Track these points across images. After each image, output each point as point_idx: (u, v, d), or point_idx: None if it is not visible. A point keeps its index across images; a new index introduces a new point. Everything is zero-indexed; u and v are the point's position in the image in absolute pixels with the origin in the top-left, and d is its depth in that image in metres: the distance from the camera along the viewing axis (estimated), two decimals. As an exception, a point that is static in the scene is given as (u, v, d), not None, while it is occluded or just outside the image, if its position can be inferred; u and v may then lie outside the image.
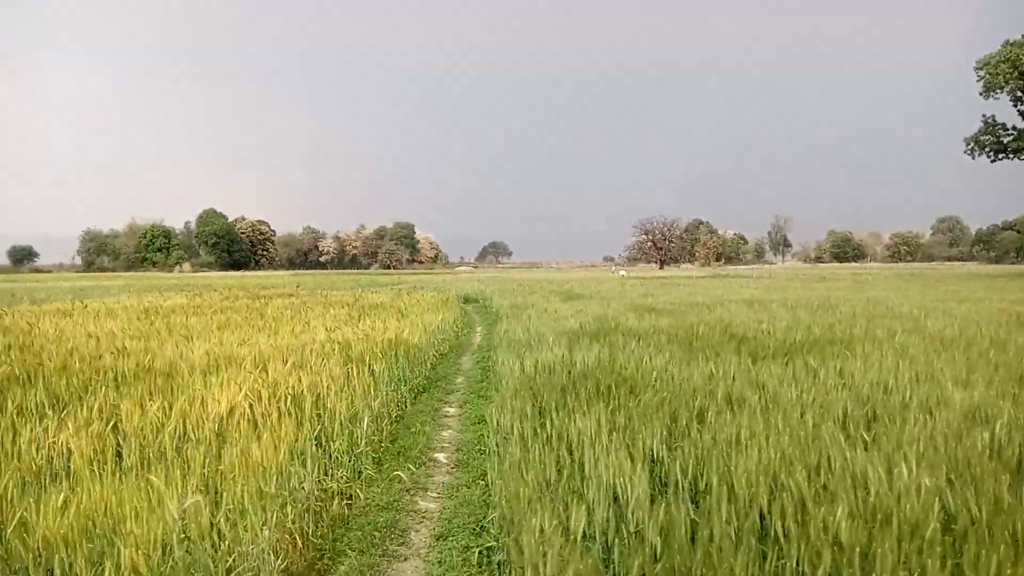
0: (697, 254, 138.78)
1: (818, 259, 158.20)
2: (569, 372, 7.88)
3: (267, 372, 7.72)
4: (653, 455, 5.13)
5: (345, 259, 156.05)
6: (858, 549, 3.33)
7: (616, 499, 4.43)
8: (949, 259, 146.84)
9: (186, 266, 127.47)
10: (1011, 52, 48.32)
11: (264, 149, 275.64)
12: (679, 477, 4.72)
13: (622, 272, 74.55)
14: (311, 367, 8.30)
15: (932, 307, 16.99)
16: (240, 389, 6.49)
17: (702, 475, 4.69)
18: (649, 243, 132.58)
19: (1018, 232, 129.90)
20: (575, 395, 6.59)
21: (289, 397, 6.65)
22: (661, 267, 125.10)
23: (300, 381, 7.18)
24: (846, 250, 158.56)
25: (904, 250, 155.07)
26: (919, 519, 3.53)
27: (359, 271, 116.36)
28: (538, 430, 5.67)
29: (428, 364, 11.92)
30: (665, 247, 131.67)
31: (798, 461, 4.42)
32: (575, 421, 5.62)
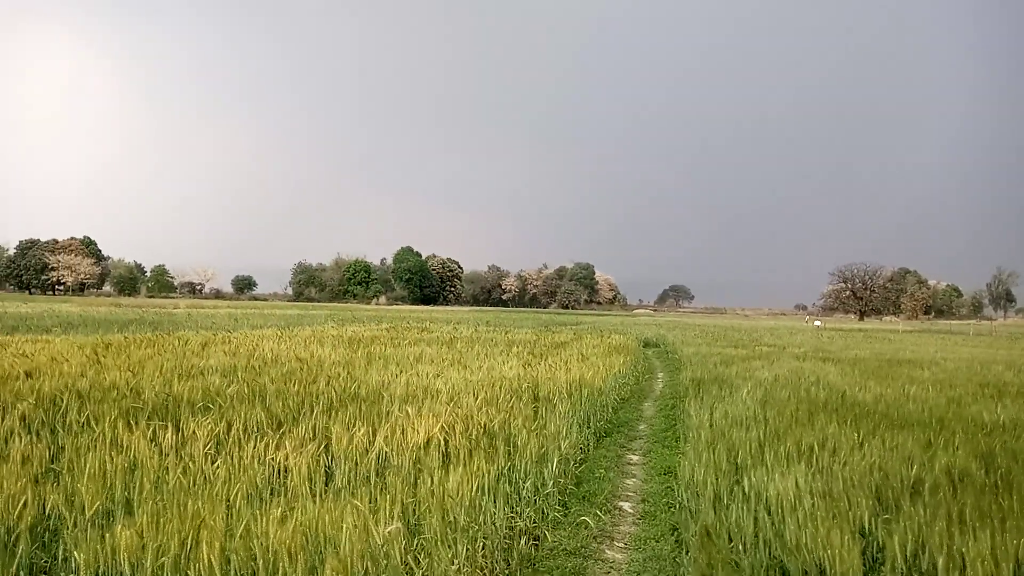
0: (903, 306, 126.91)
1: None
2: (765, 425, 7.47)
3: (460, 406, 8.01)
4: (863, 526, 4.69)
5: (526, 297, 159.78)
6: None
7: (823, 573, 4.09)
8: None
9: (382, 299, 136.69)
10: None
11: (452, 191, 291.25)
12: (896, 552, 4.26)
13: (817, 322, 69.77)
14: (499, 404, 8.50)
15: None
16: (436, 421, 6.78)
17: (923, 552, 4.22)
18: (848, 292, 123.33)
19: None
20: (773, 452, 6.21)
21: (482, 432, 6.84)
22: (861, 318, 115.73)
23: (491, 417, 7.38)
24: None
25: None
26: None
27: (538, 310, 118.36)
28: (733, 488, 5.40)
29: (610, 408, 11.79)
30: (866, 297, 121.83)
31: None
32: (774, 480, 5.29)
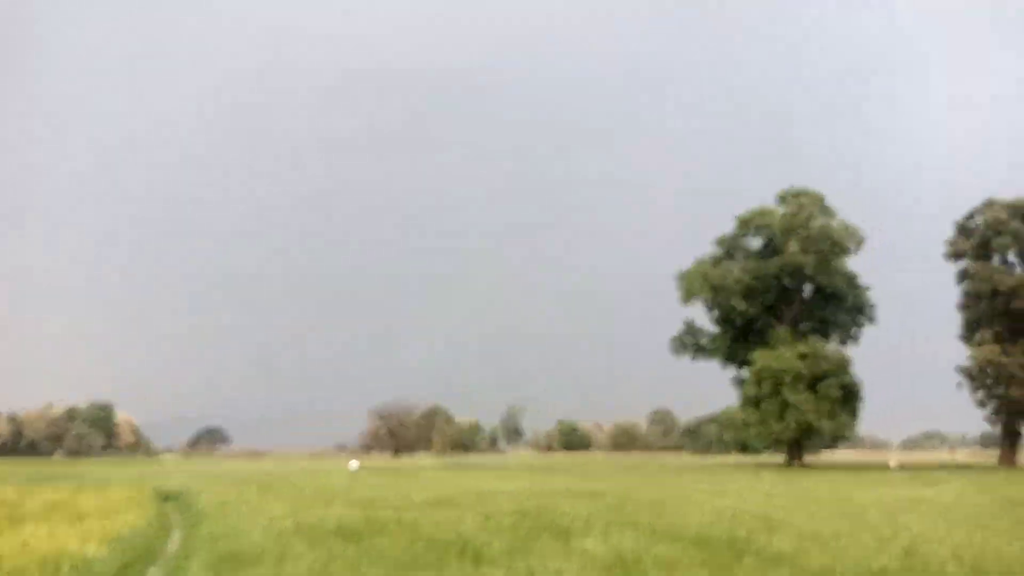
0: (433, 442, 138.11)
1: (548, 448, 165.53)
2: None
3: None
4: None
5: (21, 444, 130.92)
6: None
7: None
8: (663, 448, 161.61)
9: None
10: (702, 267, 57.33)
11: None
12: None
13: (354, 463, 70.64)
14: None
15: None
16: None
17: None
18: (385, 430, 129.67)
19: (718, 425, 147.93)
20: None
21: None
22: (396, 456, 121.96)
23: None
24: (572, 439, 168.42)
25: (624, 440, 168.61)
26: None
27: (40, 457, 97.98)
28: None
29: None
30: (401, 434, 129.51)
31: None
32: None
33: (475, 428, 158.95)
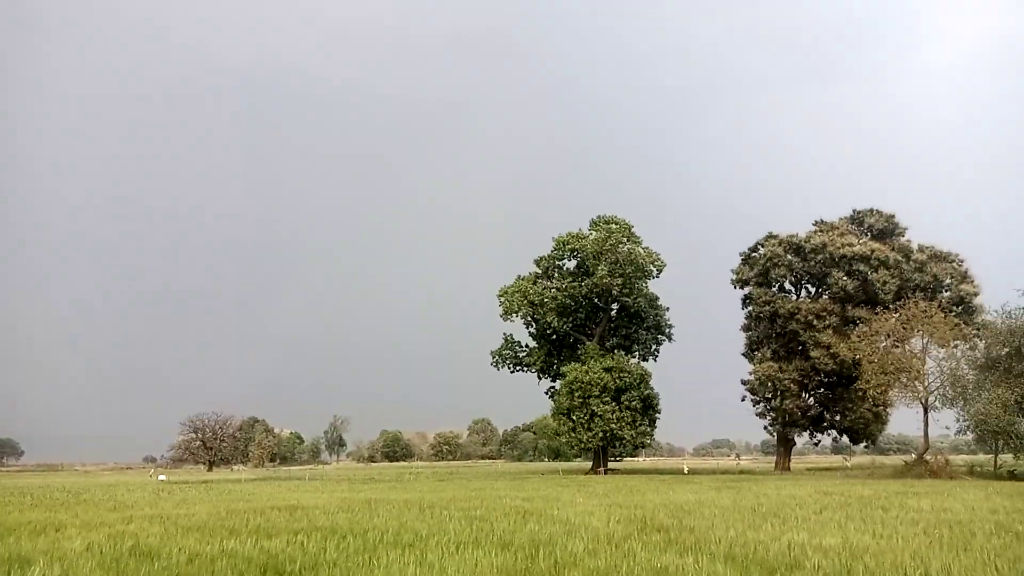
0: (251, 454, 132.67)
1: (371, 458, 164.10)
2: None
3: None
4: None
5: None
6: None
7: None
8: (483, 456, 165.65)
9: None
10: (522, 285, 60.19)
11: None
12: None
13: (161, 476, 66.99)
14: None
15: (468, 505, 18.81)
16: None
17: None
18: (198, 442, 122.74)
19: (533, 433, 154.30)
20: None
21: None
22: (210, 468, 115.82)
23: None
24: (396, 449, 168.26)
25: (446, 449, 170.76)
26: None
27: None
28: None
29: None
30: (216, 447, 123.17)
31: None
32: None
33: (295, 439, 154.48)
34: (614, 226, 58.23)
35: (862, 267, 55.74)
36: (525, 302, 59.18)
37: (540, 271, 62.54)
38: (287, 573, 8.48)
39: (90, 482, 53.95)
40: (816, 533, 11.53)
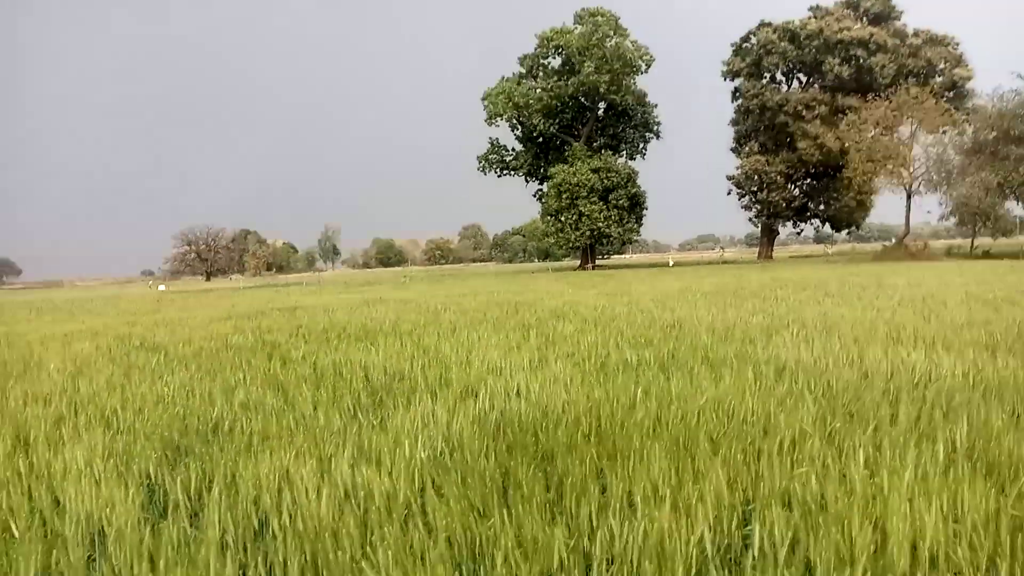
0: (247, 264, 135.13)
1: (366, 265, 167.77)
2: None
3: None
4: (149, 476, 4.86)
5: None
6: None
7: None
8: (475, 260, 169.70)
9: None
10: (506, 87, 58.05)
11: None
12: (179, 495, 4.54)
13: (161, 287, 68.69)
14: None
15: (455, 302, 19.48)
16: None
17: (208, 489, 4.60)
18: (193, 254, 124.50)
19: (523, 236, 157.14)
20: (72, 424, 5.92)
21: None
22: (208, 279, 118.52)
23: None
24: (389, 255, 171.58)
25: (438, 254, 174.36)
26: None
27: None
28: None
29: None
30: (211, 258, 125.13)
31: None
32: (62, 453, 5.06)
33: (289, 249, 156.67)
34: (600, 18, 55.10)
35: (860, 52, 53.78)
36: (510, 104, 57.45)
37: (524, 71, 60.08)
38: (292, 360, 8.89)
39: (92, 295, 55.29)
40: (795, 309, 12.05)
